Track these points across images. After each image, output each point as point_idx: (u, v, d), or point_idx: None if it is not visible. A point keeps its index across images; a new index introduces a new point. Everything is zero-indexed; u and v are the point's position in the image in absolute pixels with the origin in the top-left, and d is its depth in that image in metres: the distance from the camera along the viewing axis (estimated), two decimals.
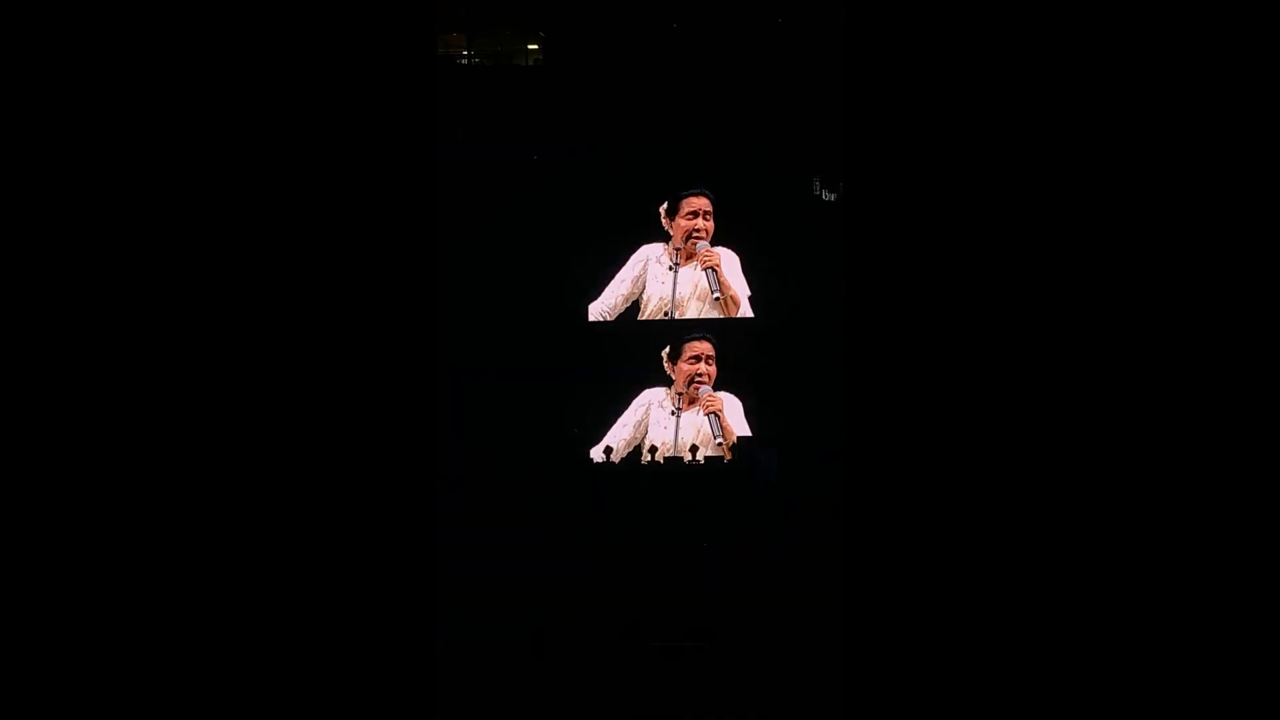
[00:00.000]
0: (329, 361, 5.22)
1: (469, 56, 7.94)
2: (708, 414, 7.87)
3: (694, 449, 7.79)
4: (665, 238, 8.06)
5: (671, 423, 7.89)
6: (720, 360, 7.94)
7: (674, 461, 7.79)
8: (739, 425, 7.87)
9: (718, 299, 7.97)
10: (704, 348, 7.95)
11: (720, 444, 7.82)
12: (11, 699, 4.77)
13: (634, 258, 8.13)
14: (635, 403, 7.99)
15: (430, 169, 5.26)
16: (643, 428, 7.95)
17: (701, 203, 8.03)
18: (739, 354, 7.93)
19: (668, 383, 7.98)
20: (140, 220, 5.15)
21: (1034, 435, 5.26)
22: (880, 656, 5.17)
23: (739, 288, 8.00)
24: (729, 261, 8.04)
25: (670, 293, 7.97)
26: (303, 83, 5.23)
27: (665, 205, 8.04)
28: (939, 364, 5.20)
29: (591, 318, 8.07)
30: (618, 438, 7.92)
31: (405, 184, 5.23)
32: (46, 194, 5.01)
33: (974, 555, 5.23)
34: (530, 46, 8.13)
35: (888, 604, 5.24)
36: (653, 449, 7.85)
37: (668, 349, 8.00)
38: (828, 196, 7.91)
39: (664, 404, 7.97)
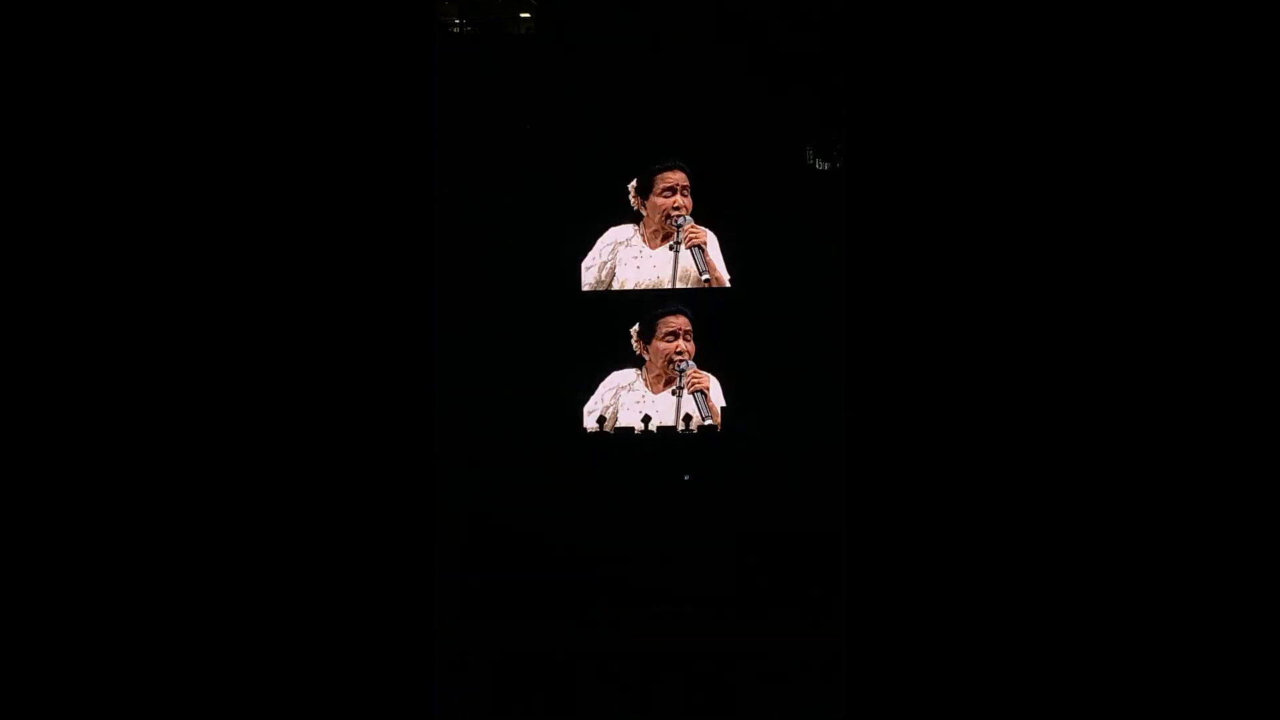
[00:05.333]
0: (324, 341, 5.08)
1: (460, 25, 7.49)
2: (693, 393, 7.29)
3: (687, 418, 7.22)
4: (636, 219, 7.51)
5: (648, 406, 7.32)
6: (697, 338, 7.38)
7: (667, 430, 7.19)
8: (717, 404, 7.32)
9: (707, 281, 7.40)
10: (681, 322, 7.34)
11: (709, 423, 7.27)
12: (11, 699, 4.71)
13: (600, 242, 7.48)
14: (602, 387, 7.41)
15: (428, 149, 5.20)
16: (613, 415, 7.38)
17: (678, 177, 7.40)
18: (719, 329, 7.37)
19: (638, 364, 7.41)
20: (128, 201, 5.08)
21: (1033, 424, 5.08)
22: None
23: (720, 269, 7.44)
24: (710, 241, 7.48)
25: (651, 277, 7.39)
26: (296, 59, 5.16)
27: (635, 182, 7.47)
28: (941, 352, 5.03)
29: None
30: (590, 424, 7.36)
31: (402, 165, 5.16)
32: (34, 188, 4.94)
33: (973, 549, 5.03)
34: (523, 15, 7.66)
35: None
36: (646, 418, 7.25)
37: (637, 326, 7.40)
38: (821, 165, 7.43)
39: (633, 387, 7.40)
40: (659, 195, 7.35)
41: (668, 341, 7.26)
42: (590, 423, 7.26)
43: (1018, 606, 4.91)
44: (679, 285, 7.32)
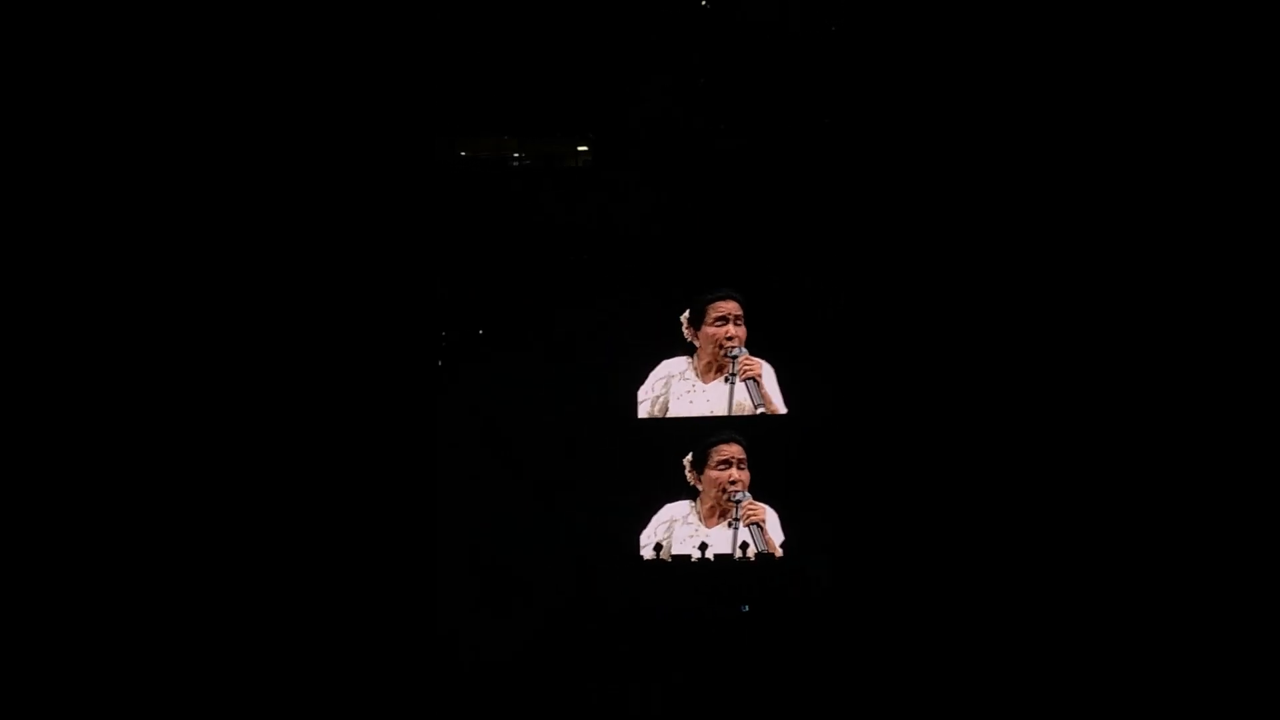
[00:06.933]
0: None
1: (520, 159, 7.51)
2: (749, 525, 7.11)
3: (744, 545, 7.04)
4: (689, 350, 7.42)
5: (700, 538, 7.16)
6: (752, 466, 7.22)
7: (724, 558, 7.02)
8: (775, 536, 7.15)
9: (762, 413, 7.27)
10: (735, 451, 7.19)
11: (767, 552, 7.10)
12: (12, 699, 4.83)
13: (653, 375, 7.37)
14: (654, 521, 7.25)
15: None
16: (668, 547, 7.21)
17: (731, 306, 7.31)
18: (774, 459, 7.22)
19: (692, 495, 7.26)
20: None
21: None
22: None
23: (776, 401, 7.32)
24: (765, 373, 7.37)
25: (704, 411, 7.27)
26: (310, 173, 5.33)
27: (687, 314, 7.38)
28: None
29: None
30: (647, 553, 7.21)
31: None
32: (46, 211, 5.09)
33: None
34: (580, 148, 7.67)
35: None
36: (703, 545, 7.07)
37: (690, 456, 7.24)
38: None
39: (689, 519, 7.24)
40: (711, 325, 7.24)
41: (720, 470, 7.11)
42: (647, 552, 7.12)
43: None
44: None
